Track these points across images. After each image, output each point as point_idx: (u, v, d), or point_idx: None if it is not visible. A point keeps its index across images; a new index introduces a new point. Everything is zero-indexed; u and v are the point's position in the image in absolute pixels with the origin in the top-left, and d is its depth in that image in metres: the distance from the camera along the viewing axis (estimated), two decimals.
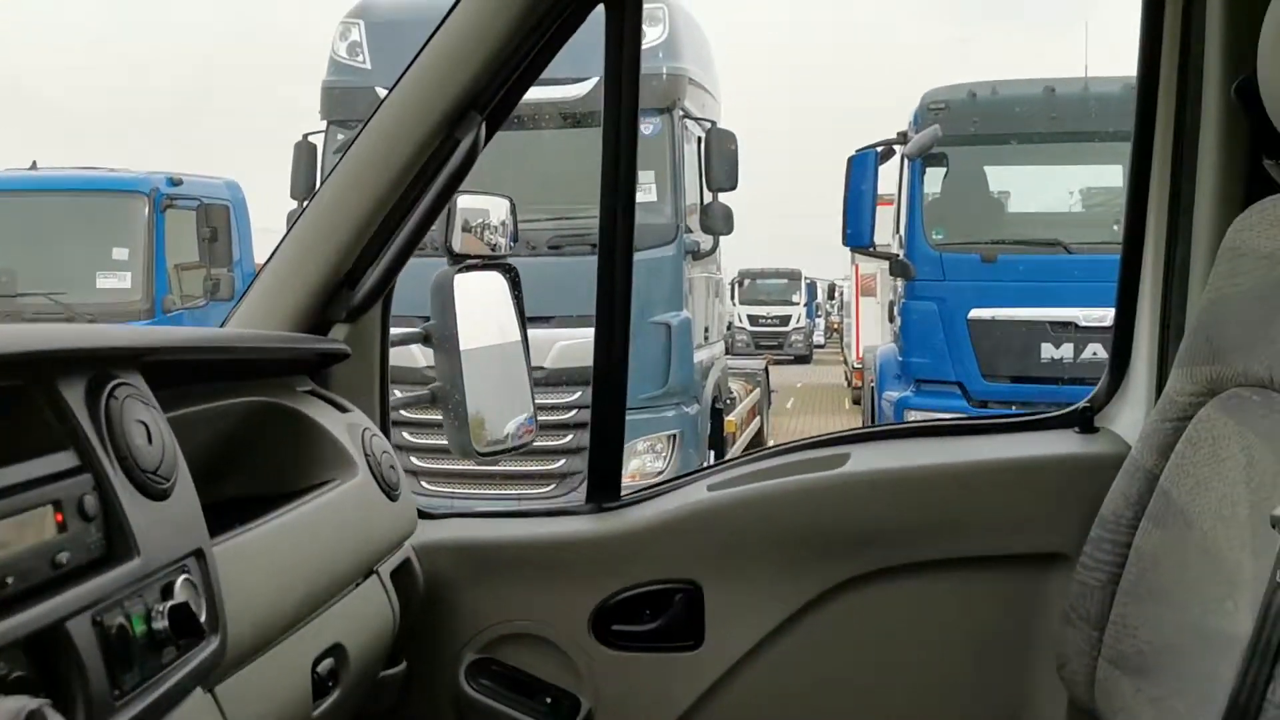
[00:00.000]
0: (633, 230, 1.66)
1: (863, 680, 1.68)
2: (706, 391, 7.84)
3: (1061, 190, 8.06)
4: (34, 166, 9.53)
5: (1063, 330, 6.94)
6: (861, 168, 7.09)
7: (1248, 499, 1.23)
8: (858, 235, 7.15)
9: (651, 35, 6.71)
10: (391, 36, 6.31)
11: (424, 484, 6.33)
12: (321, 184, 1.50)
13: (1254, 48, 1.31)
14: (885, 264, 8.36)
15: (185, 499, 0.97)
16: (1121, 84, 7.01)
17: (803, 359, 23.76)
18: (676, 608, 1.66)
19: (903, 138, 7.34)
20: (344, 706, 1.27)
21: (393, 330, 1.60)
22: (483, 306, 1.62)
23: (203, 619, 0.93)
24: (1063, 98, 7.15)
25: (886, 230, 8.03)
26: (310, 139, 6.88)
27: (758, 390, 11.41)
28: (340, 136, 6.67)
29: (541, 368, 6.44)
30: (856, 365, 14.23)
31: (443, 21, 1.45)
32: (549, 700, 1.67)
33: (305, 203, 1.72)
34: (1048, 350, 6.98)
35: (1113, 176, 7.47)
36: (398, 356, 1.66)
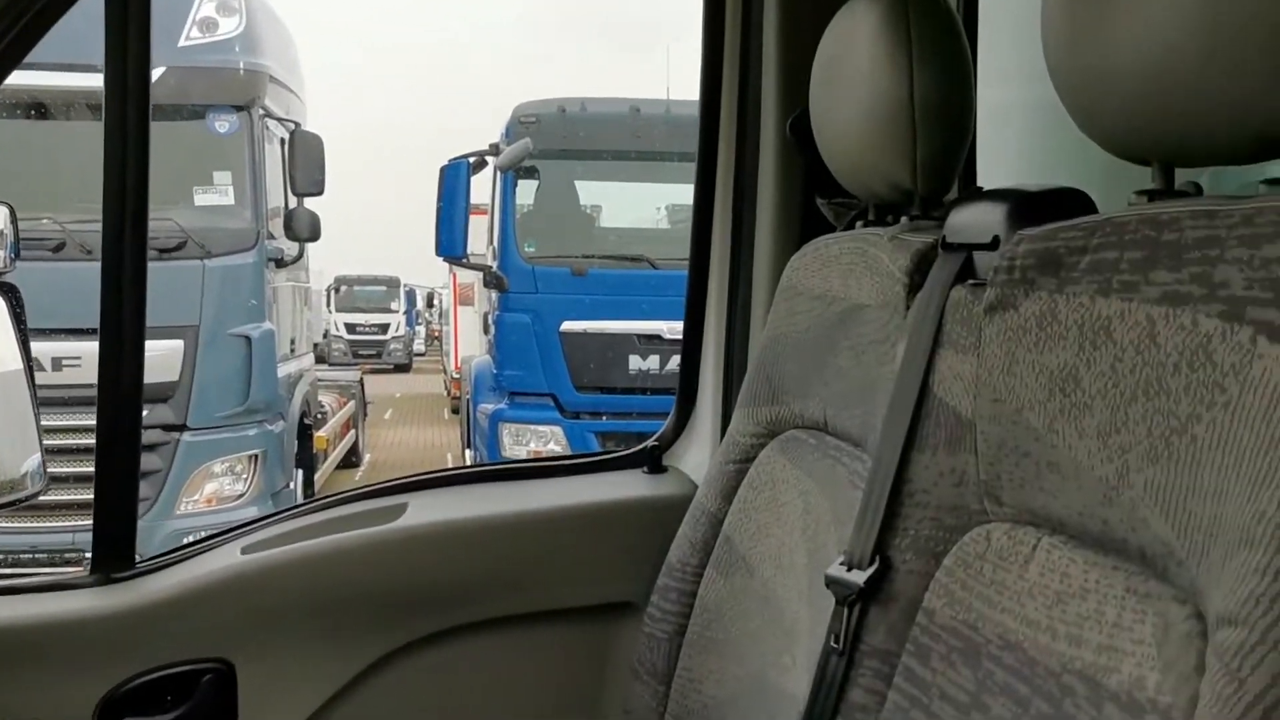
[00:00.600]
0: (145, 240, 1.41)
1: None
2: (294, 407, 7.43)
3: (648, 206, 8.37)
4: None
5: (649, 342, 7.18)
6: (454, 178, 6.99)
7: (804, 547, 1.20)
8: (451, 246, 7.04)
9: (227, 27, 6.25)
10: None
11: None
12: None
13: (808, 84, 1.30)
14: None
15: None
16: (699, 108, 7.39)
17: (402, 368, 23.36)
18: (204, 692, 1.43)
19: (495, 149, 7.32)
20: None
21: None
22: None
23: None
24: (647, 118, 7.41)
25: (484, 240, 7.98)
26: None
27: (352, 402, 11.01)
28: None
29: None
30: (455, 375, 14.15)
31: None
32: None
33: None
34: (636, 362, 7.19)
35: (691, 194, 7.84)
36: None
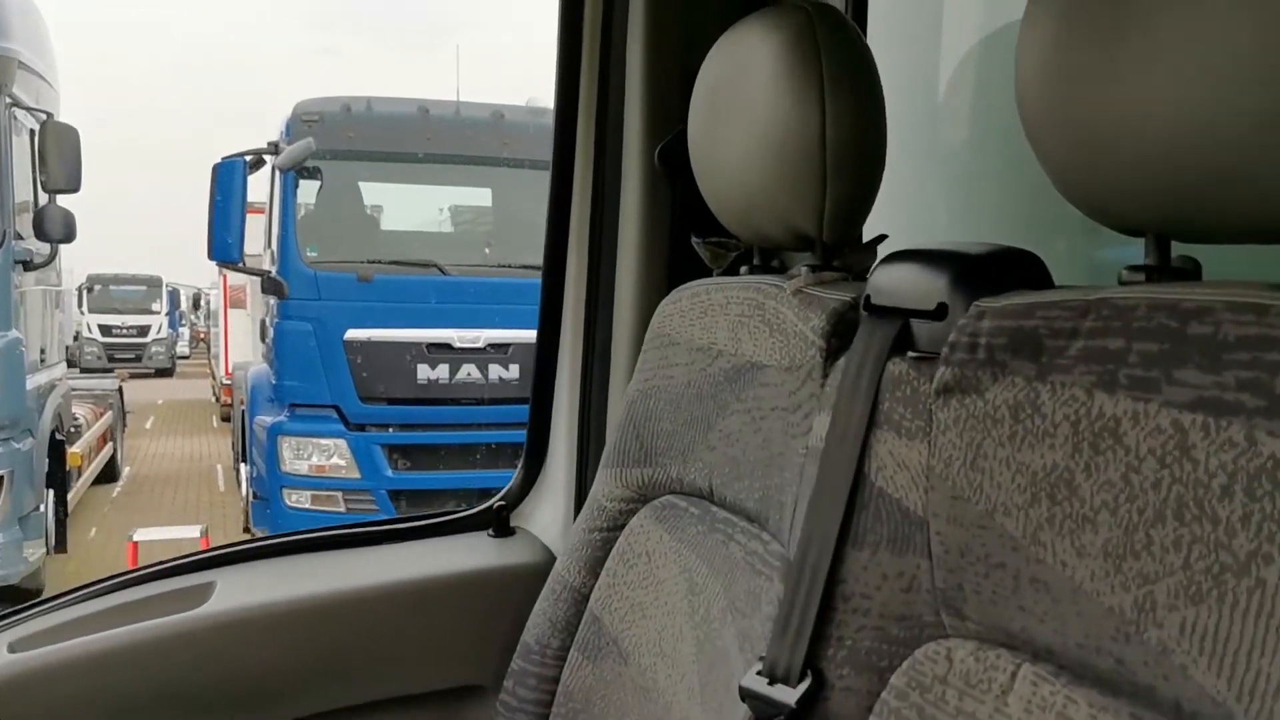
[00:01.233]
0: None
1: None
2: (44, 421, 6.86)
3: (435, 210, 8.13)
4: None
5: (439, 351, 6.96)
6: (228, 177, 6.56)
7: (692, 635, 1.07)
8: (225, 250, 6.61)
9: None
10: None
11: None
12: None
13: (683, 105, 1.17)
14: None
15: None
16: (490, 110, 7.22)
17: (165, 372, 22.03)
18: None
19: (274, 148, 6.92)
20: None
21: None
22: None
23: None
24: (436, 119, 7.18)
25: (260, 241, 7.55)
26: None
27: (110, 413, 10.26)
28: None
29: None
30: (226, 381, 13.42)
31: None
32: None
33: None
34: (424, 371, 6.96)
35: (483, 198, 7.68)
36: None
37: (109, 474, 10.29)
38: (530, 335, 1.56)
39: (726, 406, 1.09)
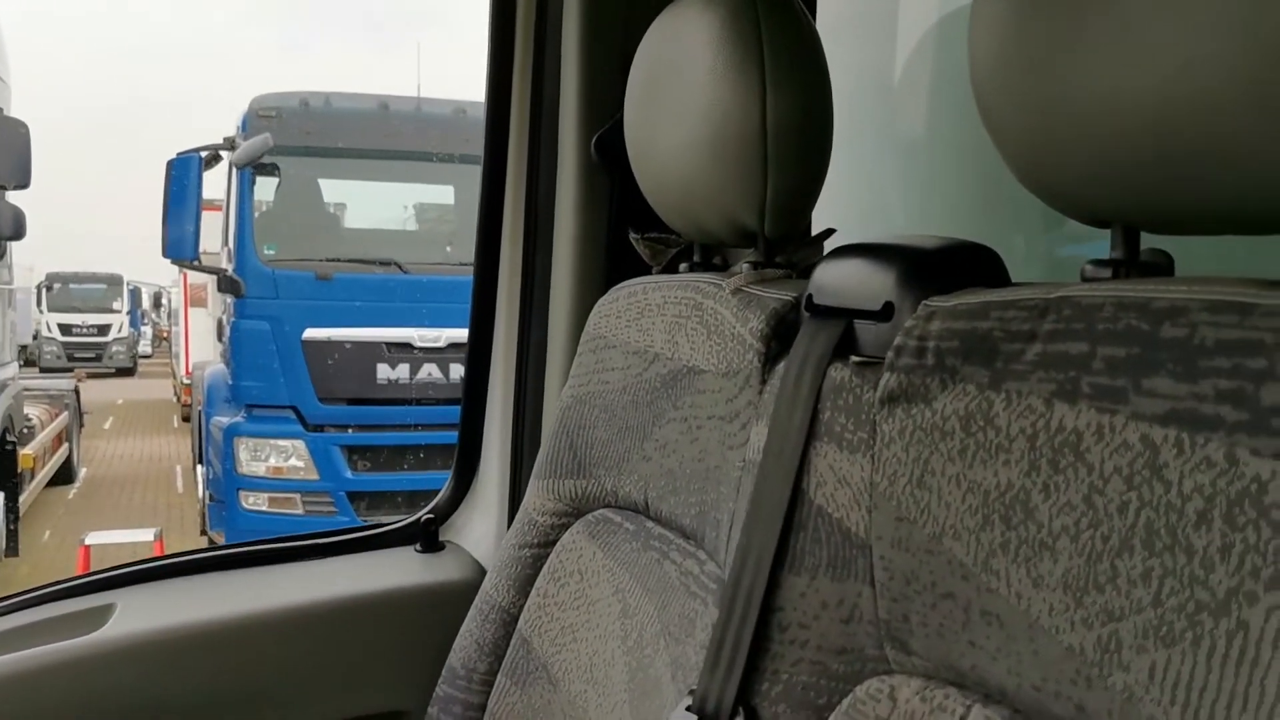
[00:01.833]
0: None
1: None
2: None
3: (396, 207, 8.02)
4: None
5: (399, 351, 6.86)
6: (183, 174, 6.43)
7: (623, 661, 0.99)
8: (180, 248, 6.48)
9: None
10: None
11: None
12: None
13: (622, 91, 1.09)
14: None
15: None
16: (452, 106, 7.13)
17: (126, 371, 21.74)
18: None
19: (230, 144, 6.79)
20: None
21: None
22: None
23: None
24: (396, 115, 7.08)
25: (218, 238, 7.42)
26: None
27: (66, 413, 10.09)
28: None
29: None
30: (186, 381, 13.24)
31: None
32: None
33: None
34: (384, 371, 6.86)
35: (444, 195, 7.58)
36: None
37: (64, 475, 10.12)
38: None
39: (663, 414, 1.01)
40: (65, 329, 20.99)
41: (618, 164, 1.13)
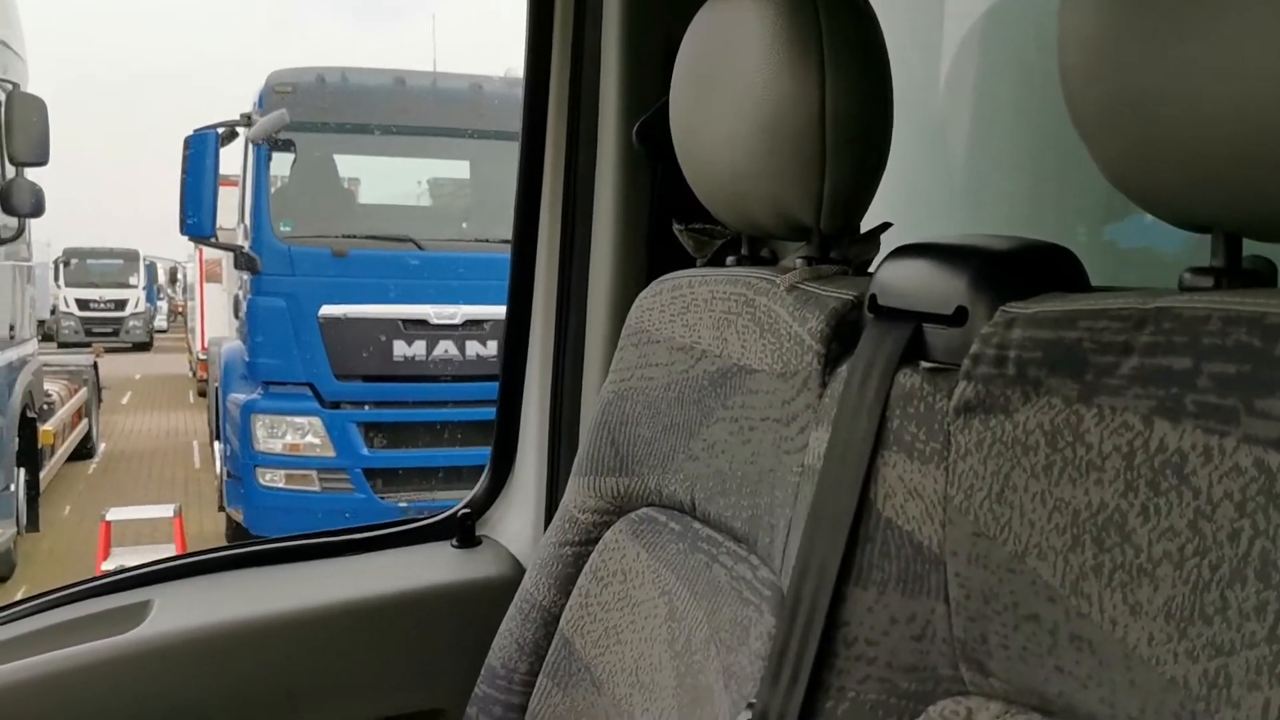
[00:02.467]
0: None
1: None
2: (14, 399, 6.75)
3: (411, 183, 7.99)
4: None
5: (415, 328, 6.86)
6: (200, 150, 6.42)
7: (671, 666, 0.97)
8: (198, 225, 6.49)
9: None
10: None
11: None
12: None
13: (665, 77, 1.05)
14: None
15: None
16: (468, 81, 7.09)
17: (143, 346, 21.83)
18: None
19: (247, 120, 6.76)
20: None
21: None
22: None
23: None
24: (413, 90, 7.05)
25: (234, 214, 7.41)
26: None
27: (85, 389, 10.12)
28: None
29: None
30: (202, 356, 13.29)
31: None
32: None
33: None
34: (401, 348, 6.86)
35: (460, 171, 7.55)
36: None
37: (84, 451, 10.16)
38: None
39: (711, 413, 0.99)
40: (83, 304, 21.08)
41: (660, 152, 1.10)
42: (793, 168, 0.92)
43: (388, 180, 7.90)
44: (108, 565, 6.05)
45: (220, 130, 6.65)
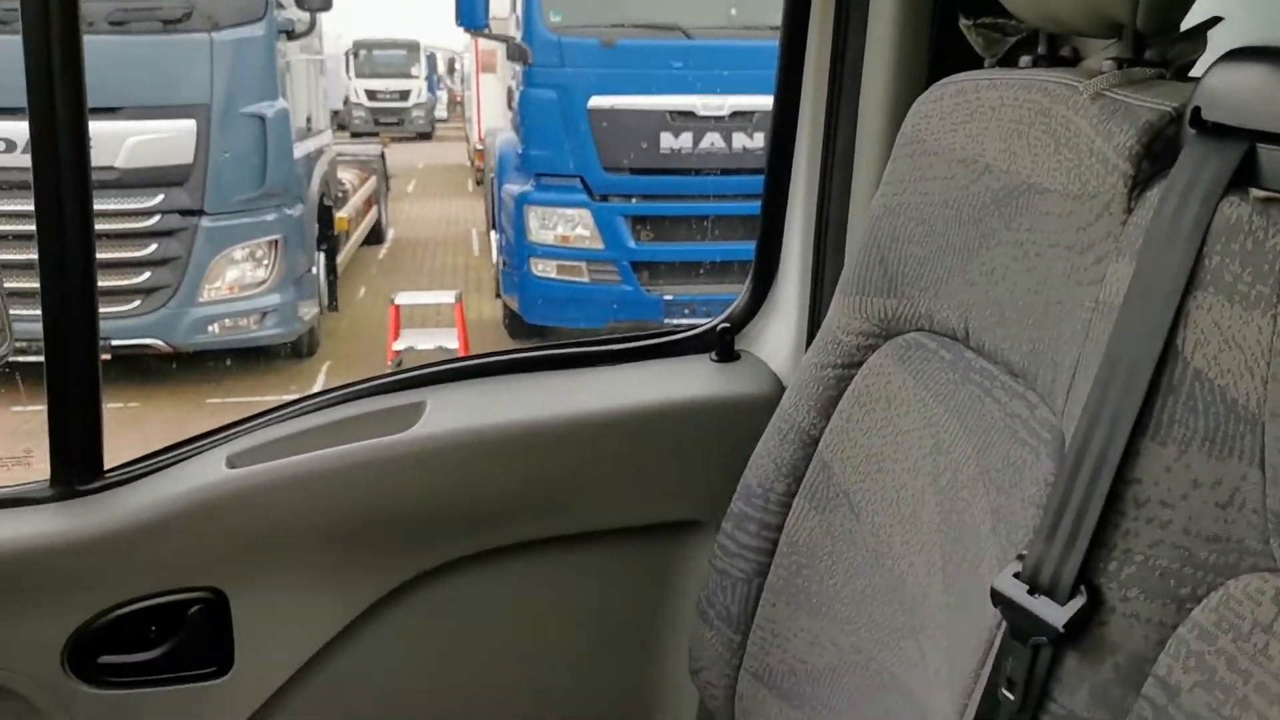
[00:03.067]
0: (80, 68, 1.11)
1: (451, 697, 1.33)
2: (312, 187, 7.22)
3: None
4: None
5: (683, 119, 6.80)
6: None
7: (935, 499, 0.93)
8: (471, 16, 6.62)
9: None
10: None
11: None
12: None
13: None
14: None
15: None
16: None
17: (425, 136, 22.78)
18: (191, 625, 1.22)
19: None
20: None
21: None
22: None
23: None
24: None
25: (507, 4, 7.48)
26: None
27: (374, 178, 10.70)
28: None
29: (113, 168, 5.65)
30: (479, 146, 13.75)
31: None
32: None
33: None
34: (668, 140, 6.83)
35: None
36: None
37: (375, 237, 10.81)
38: None
39: (992, 235, 0.90)
40: (371, 94, 22.09)
41: None
42: None
43: None
44: (398, 345, 6.52)
45: None
